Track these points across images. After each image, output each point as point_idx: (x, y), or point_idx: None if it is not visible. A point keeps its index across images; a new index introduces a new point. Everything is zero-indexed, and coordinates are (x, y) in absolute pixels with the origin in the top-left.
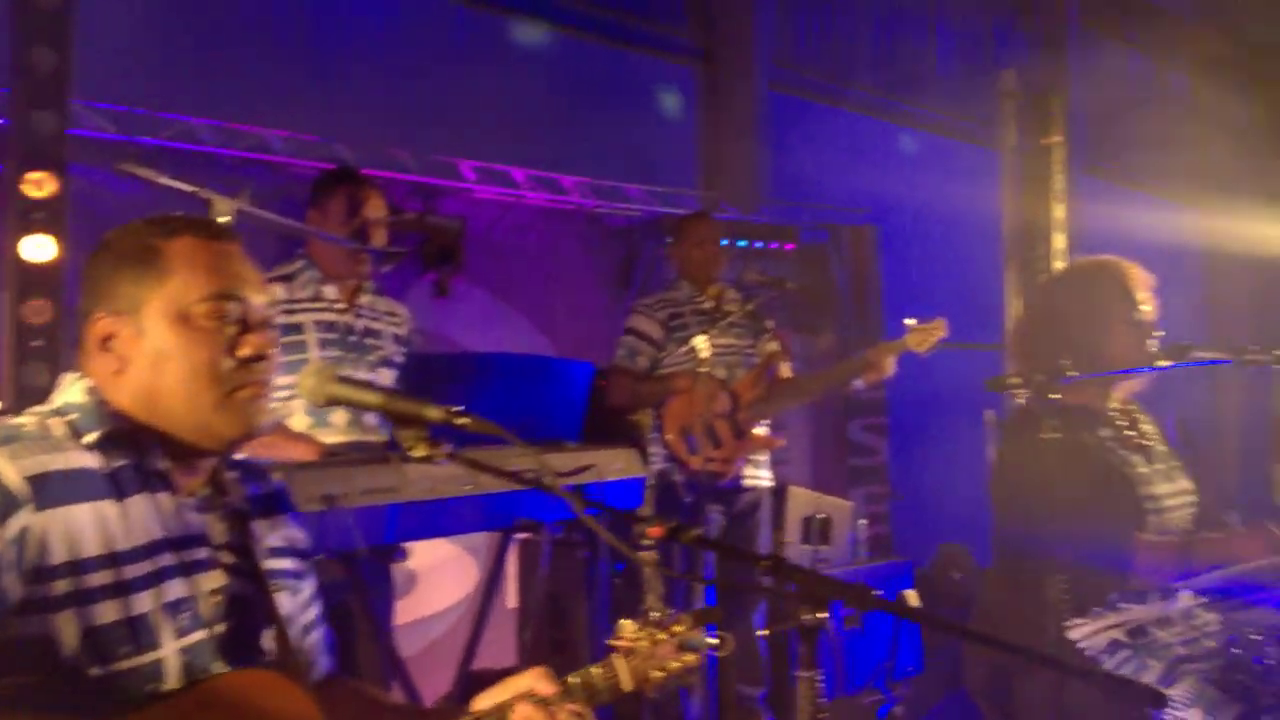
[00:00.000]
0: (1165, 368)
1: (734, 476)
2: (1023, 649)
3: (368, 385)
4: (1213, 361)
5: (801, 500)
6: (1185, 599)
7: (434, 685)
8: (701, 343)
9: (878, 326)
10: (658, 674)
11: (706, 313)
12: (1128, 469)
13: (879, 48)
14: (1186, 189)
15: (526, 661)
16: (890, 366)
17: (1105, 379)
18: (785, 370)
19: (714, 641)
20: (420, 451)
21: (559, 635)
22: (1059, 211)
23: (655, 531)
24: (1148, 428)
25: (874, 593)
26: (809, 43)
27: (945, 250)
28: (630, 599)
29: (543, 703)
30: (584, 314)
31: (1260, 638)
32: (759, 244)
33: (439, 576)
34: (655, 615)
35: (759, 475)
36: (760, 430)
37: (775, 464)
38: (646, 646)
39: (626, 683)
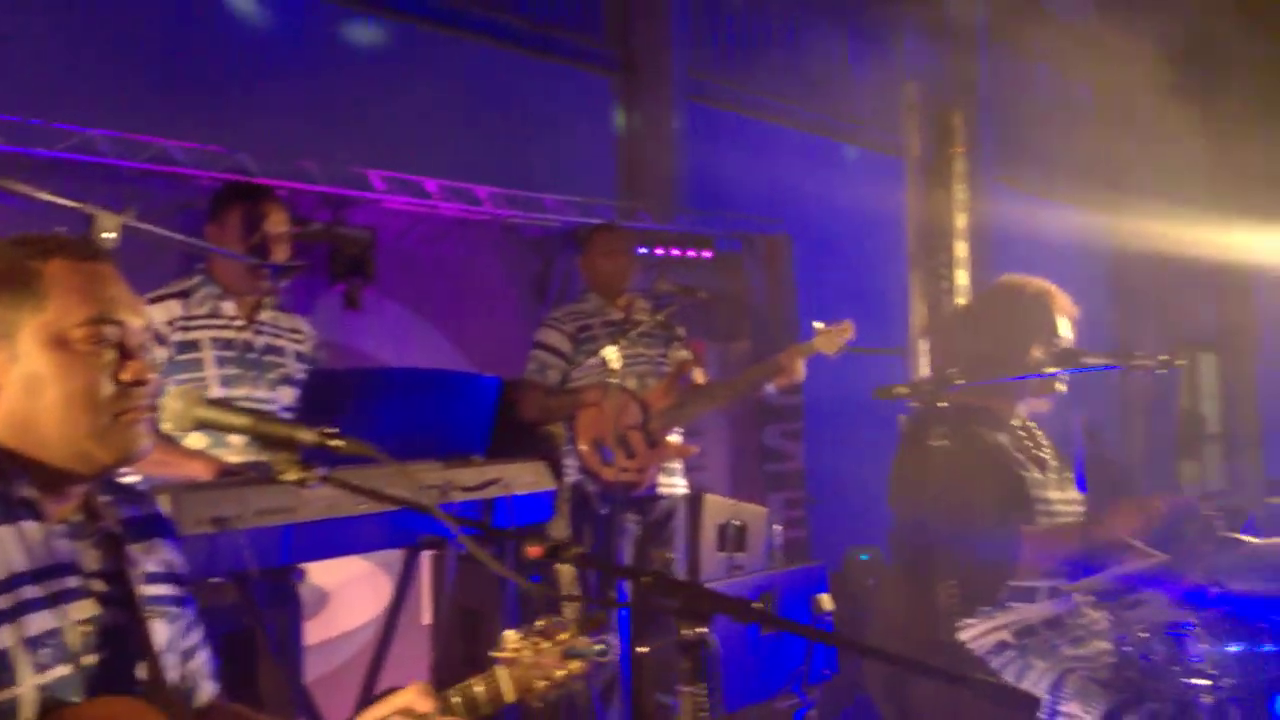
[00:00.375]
0: (1052, 374)
1: (648, 485)
2: (887, 654)
3: (235, 408)
4: (1101, 368)
5: (717, 507)
6: (1076, 598)
7: (348, 707)
8: (612, 354)
9: (792, 333)
10: (541, 683)
11: (616, 324)
12: (1021, 471)
13: (794, 59)
14: (1093, 194)
15: (440, 679)
16: (800, 370)
17: (1015, 391)
18: (698, 377)
19: (601, 648)
20: (292, 475)
21: (472, 650)
22: (961, 220)
23: (534, 551)
24: (1045, 445)
25: (753, 605)
26: (726, 53)
27: (857, 257)
28: (545, 609)
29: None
30: (499, 326)
31: (1148, 635)
32: (676, 253)
33: (351, 595)
34: (540, 624)
35: (673, 483)
36: (674, 438)
37: (691, 471)
38: (529, 656)
39: (509, 694)
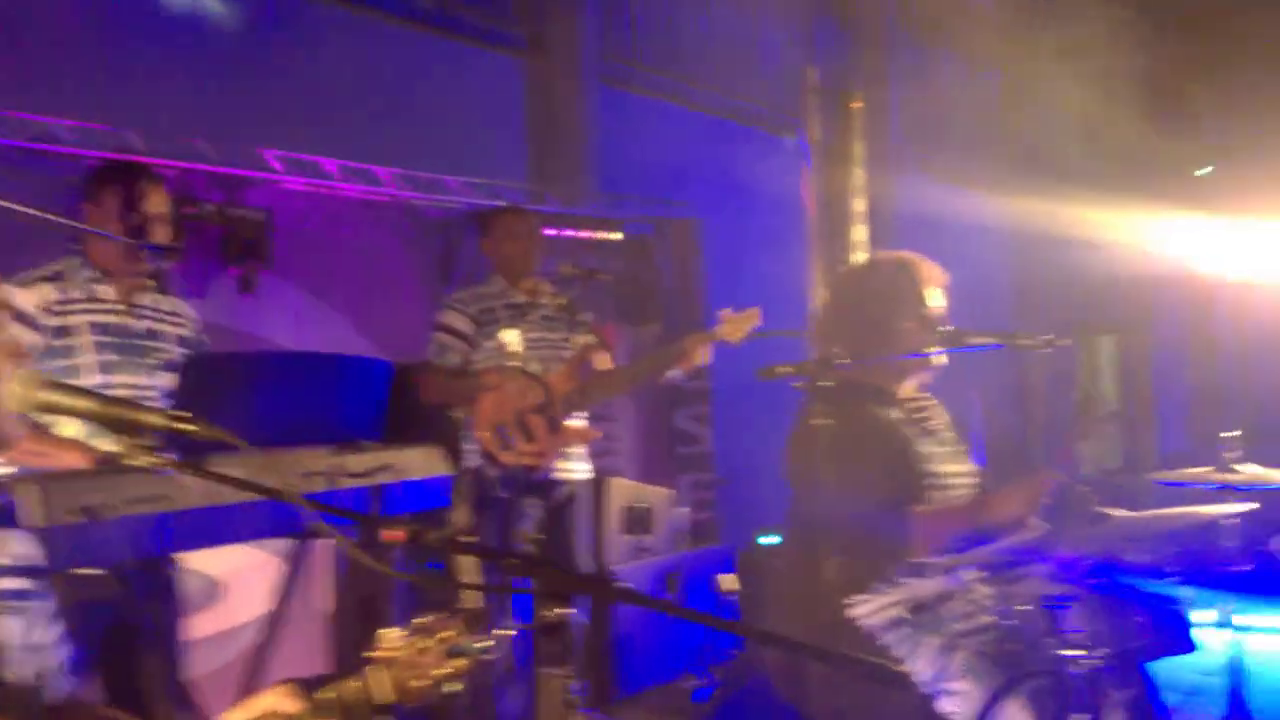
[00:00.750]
0: (932, 352)
1: (548, 470)
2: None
3: (80, 390)
4: (985, 347)
5: (621, 491)
6: (966, 575)
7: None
8: (512, 337)
9: (701, 317)
10: (421, 683)
11: (519, 307)
12: (913, 447)
13: (705, 43)
14: (998, 179)
15: (342, 669)
16: (703, 356)
17: (898, 366)
18: (602, 363)
19: (485, 645)
20: (140, 460)
21: (370, 639)
22: (860, 204)
23: (394, 535)
24: (937, 416)
25: (615, 585)
26: (636, 36)
27: (765, 241)
28: (443, 596)
29: None
30: (402, 309)
31: (1029, 607)
32: (585, 235)
33: (246, 585)
34: (420, 622)
35: (574, 468)
36: (576, 423)
37: (601, 455)
38: (408, 655)
39: (386, 694)
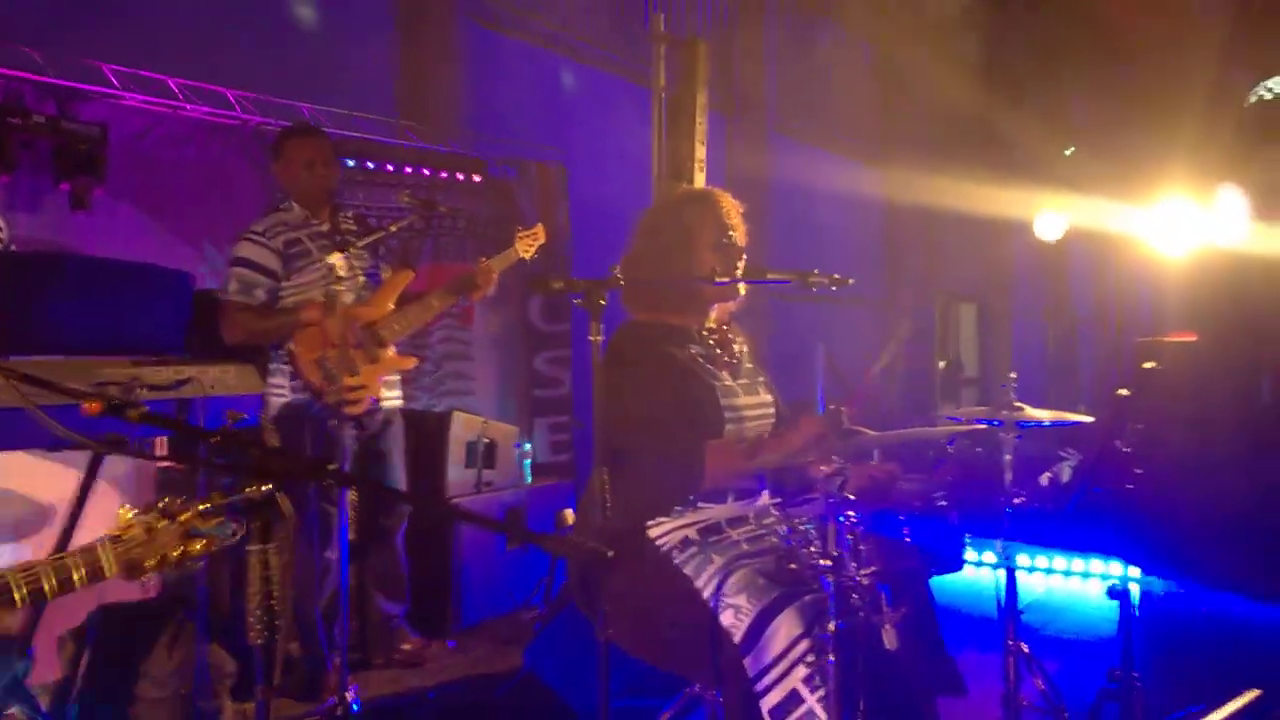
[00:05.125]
0: (725, 282)
1: (372, 400)
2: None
3: None
4: (780, 281)
5: (465, 425)
6: (763, 498)
7: (64, 620)
8: (338, 260)
9: (566, 261)
10: (151, 561)
11: (324, 234)
12: (712, 381)
13: None
14: (869, 148)
15: (164, 591)
16: (492, 285)
17: (699, 296)
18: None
19: (230, 530)
20: None
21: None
22: (700, 152)
23: (90, 407)
24: (739, 347)
25: (329, 468)
26: None
27: (632, 190)
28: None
29: None
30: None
31: (807, 526)
32: (445, 175)
33: (37, 495)
34: (162, 503)
35: (390, 395)
36: (390, 351)
37: (460, 395)
38: (139, 534)
39: (110, 569)
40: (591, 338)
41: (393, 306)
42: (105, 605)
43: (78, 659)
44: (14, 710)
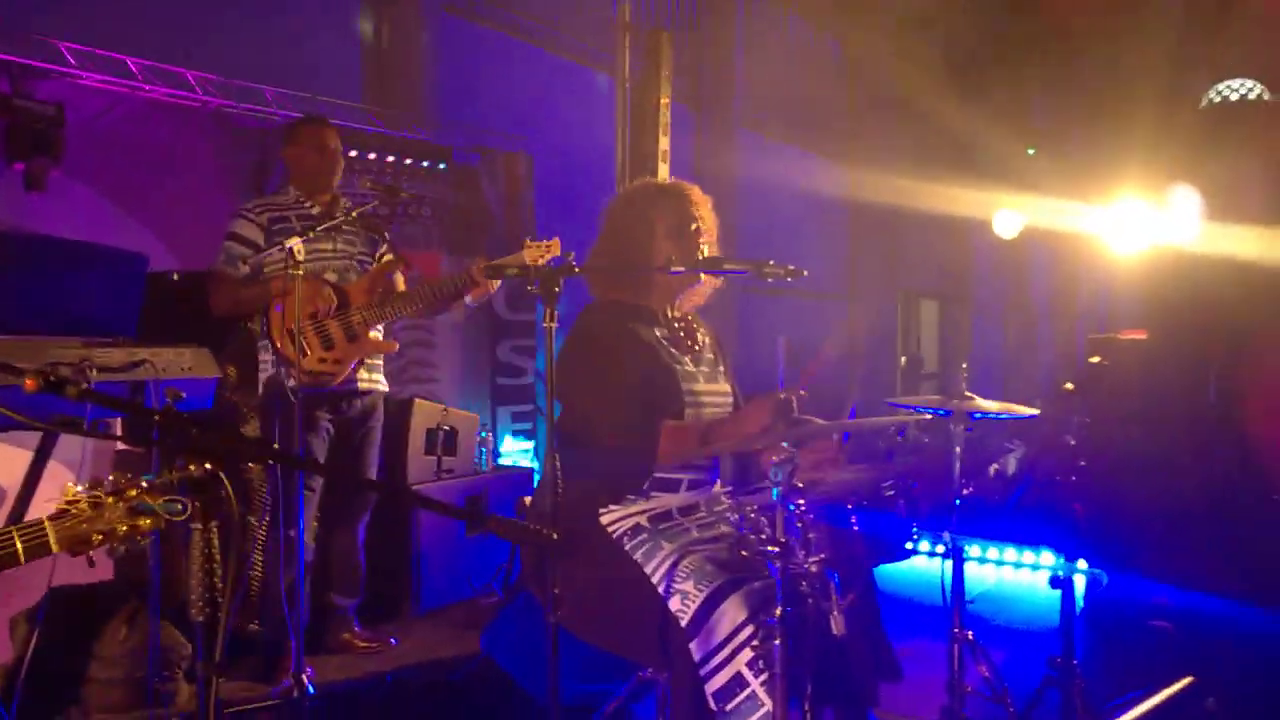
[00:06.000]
0: (679, 271)
1: (347, 380)
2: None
3: None
4: (738, 271)
5: (426, 412)
6: (715, 487)
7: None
8: (296, 243)
9: None
10: (97, 536)
11: (313, 218)
12: (674, 364)
13: None
14: (835, 145)
15: (120, 575)
16: (494, 285)
17: (664, 286)
18: (400, 284)
19: (177, 507)
20: None
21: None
22: (664, 144)
23: (30, 383)
24: (703, 336)
25: (275, 451)
26: None
27: (593, 177)
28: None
29: None
30: (209, 219)
31: (756, 514)
32: (409, 161)
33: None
34: (110, 479)
35: (375, 380)
36: (375, 334)
37: (421, 382)
38: (84, 510)
39: (54, 544)
40: (546, 324)
41: (376, 292)
42: (56, 587)
43: (29, 641)
44: None
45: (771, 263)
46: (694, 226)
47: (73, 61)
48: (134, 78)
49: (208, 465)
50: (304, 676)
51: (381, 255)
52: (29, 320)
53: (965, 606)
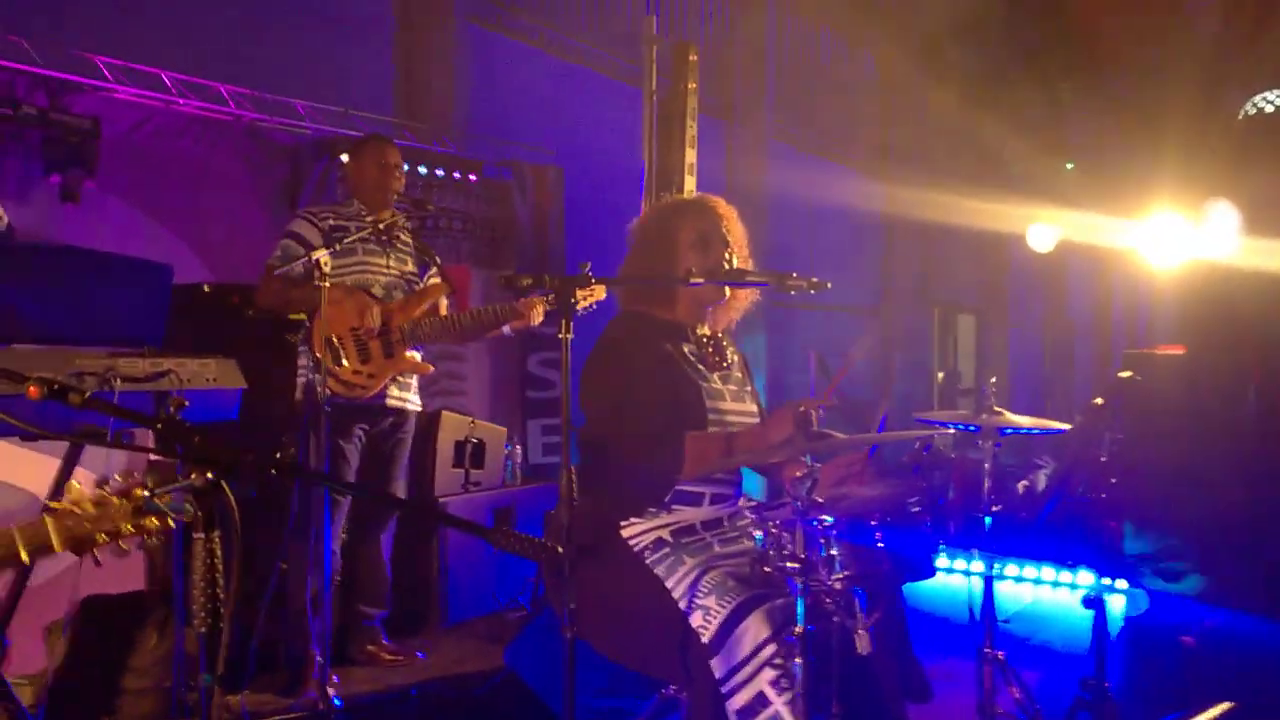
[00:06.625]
0: (698, 283)
1: (378, 394)
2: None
3: None
4: (760, 284)
5: (454, 425)
6: (741, 502)
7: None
8: (323, 256)
9: (559, 264)
10: (102, 536)
11: (372, 231)
12: (700, 381)
13: None
14: (869, 159)
15: (154, 584)
16: (537, 317)
17: (694, 301)
18: (443, 308)
19: (186, 508)
20: None
21: (185, 555)
22: (691, 156)
23: (32, 391)
24: (733, 355)
25: (269, 460)
26: None
27: (622, 191)
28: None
29: None
30: (243, 231)
31: (778, 530)
32: (440, 174)
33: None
34: (116, 479)
35: (405, 398)
36: (413, 354)
37: (450, 395)
38: (89, 510)
39: (57, 544)
40: (561, 335)
41: (418, 312)
42: (89, 597)
43: (62, 651)
44: None
45: (795, 275)
46: (717, 239)
47: (109, 76)
48: (168, 92)
49: (209, 474)
50: (329, 688)
51: (429, 279)
52: (56, 330)
53: (997, 626)
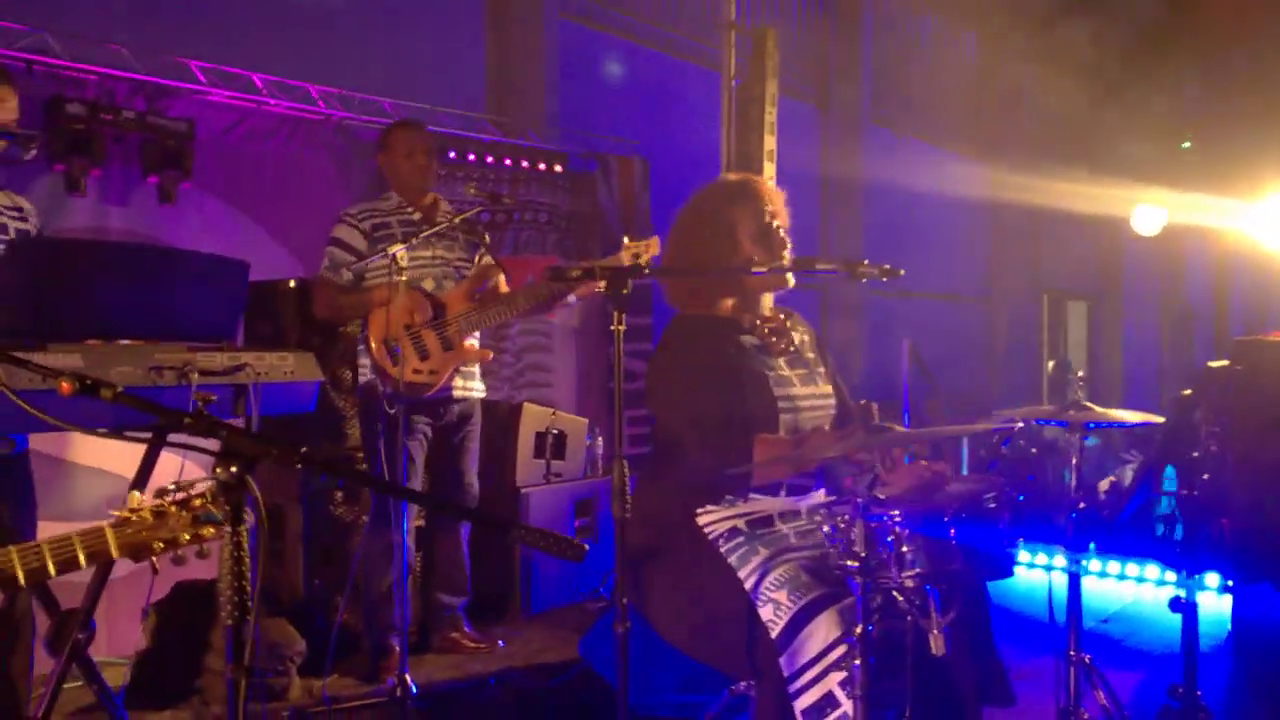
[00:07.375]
0: (762, 272)
1: (442, 388)
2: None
3: None
4: (830, 271)
5: (535, 416)
6: (816, 496)
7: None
8: (400, 250)
9: None
10: (159, 545)
11: (414, 224)
12: (765, 370)
13: None
14: (972, 142)
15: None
16: (599, 282)
17: (747, 285)
18: (502, 286)
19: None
20: None
21: (274, 544)
22: (770, 143)
23: (65, 387)
24: (799, 336)
25: (301, 450)
26: None
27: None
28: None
29: None
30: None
31: (846, 523)
32: (526, 166)
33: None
34: (172, 488)
35: (470, 387)
36: (471, 342)
37: (539, 387)
38: (147, 519)
39: (114, 551)
40: (614, 327)
41: (473, 298)
42: (181, 581)
43: (154, 632)
44: None
45: (866, 263)
46: (775, 224)
47: (203, 79)
48: (260, 93)
49: (233, 468)
50: (407, 676)
51: (480, 258)
52: (136, 326)
53: (1082, 626)
